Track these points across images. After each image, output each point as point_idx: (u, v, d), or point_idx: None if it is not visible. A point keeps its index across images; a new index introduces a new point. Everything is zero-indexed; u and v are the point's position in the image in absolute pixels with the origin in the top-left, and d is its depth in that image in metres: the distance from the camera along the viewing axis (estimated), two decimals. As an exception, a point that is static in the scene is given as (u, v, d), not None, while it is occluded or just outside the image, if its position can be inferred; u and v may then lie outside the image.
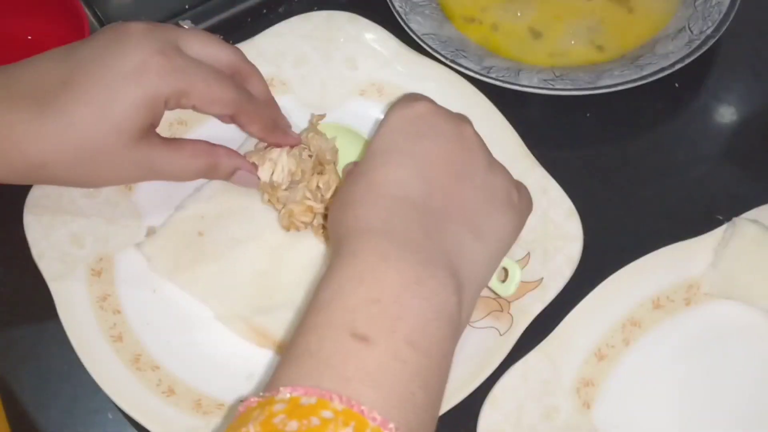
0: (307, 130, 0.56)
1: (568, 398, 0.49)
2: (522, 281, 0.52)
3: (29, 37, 0.64)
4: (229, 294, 0.53)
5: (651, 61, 0.59)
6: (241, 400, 0.37)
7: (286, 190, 0.54)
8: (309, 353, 0.37)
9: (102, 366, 0.49)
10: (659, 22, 0.63)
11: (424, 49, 0.60)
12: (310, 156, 0.55)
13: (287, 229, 0.53)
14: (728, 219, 0.53)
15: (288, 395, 0.35)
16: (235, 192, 0.55)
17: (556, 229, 0.54)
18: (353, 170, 0.46)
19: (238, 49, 0.54)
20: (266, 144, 0.55)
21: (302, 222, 0.53)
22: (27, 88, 0.48)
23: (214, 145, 0.53)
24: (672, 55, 0.59)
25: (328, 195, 0.54)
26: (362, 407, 0.34)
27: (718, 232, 0.53)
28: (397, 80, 0.60)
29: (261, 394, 0.36)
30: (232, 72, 0.52)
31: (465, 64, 0.59)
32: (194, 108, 0.50)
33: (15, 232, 0.54)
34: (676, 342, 0.51)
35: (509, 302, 0.52)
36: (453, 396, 0.48)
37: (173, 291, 0.53)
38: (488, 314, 0.52)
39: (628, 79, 0.58)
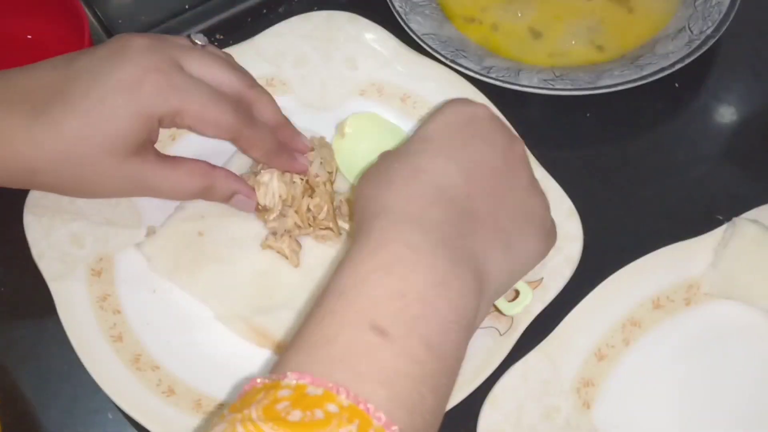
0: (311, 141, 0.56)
1: (568, 398, 0.49)
2: (522, 281, 0.52)
3: (29, 37, 0.64)
4: (229, 294, 0.53)
5: (651, 61, 0.59)
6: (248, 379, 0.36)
7: (274, 220, 0.53)
8: (324, 340, 0.36)
9: (102, 366, 0.49)
10: (659, 22, 0.63)
11: (424, 49, 0.60)
12: (302, 179, 0.54)
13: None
14: (728, 219, 0.53)
15: (294, 382, 0.34)
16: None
17: (556, 229, 0.53)
18: (394, 150, 0.45)
19: (246, 72, 0.53)
20: (257, 165, 0.54)
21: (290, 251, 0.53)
22: (24, 94, 0.48)
23: (213, 166, 0.52)
24: (672, 55, 0.59)
25: (321, 216, 0.54)
26: (368, 405, 0.33)
27: (718, 232, 0.53)
28: (397, 80, 0.60)
29: (268, 375, 0.35)
30: (236, 95, 0.51)
31: (465, 64, 0.59)
32: (190, 128, 0.50)
33: (15, 232, 0.54)
34: (676, 342, 0.51)
35: (509, 302, 0.51)
36: (453, 396, 0.48)
37: (173, 291, 0.53)
38: (488, 314, 0.51)
39: (628, 79, 0.58)
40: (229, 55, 0.54)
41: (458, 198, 0.41)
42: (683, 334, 0.51)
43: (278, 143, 0.53)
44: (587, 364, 0.50)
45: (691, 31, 0.61)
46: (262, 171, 0.54)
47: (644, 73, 0.58)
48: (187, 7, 0.65)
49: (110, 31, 0.64)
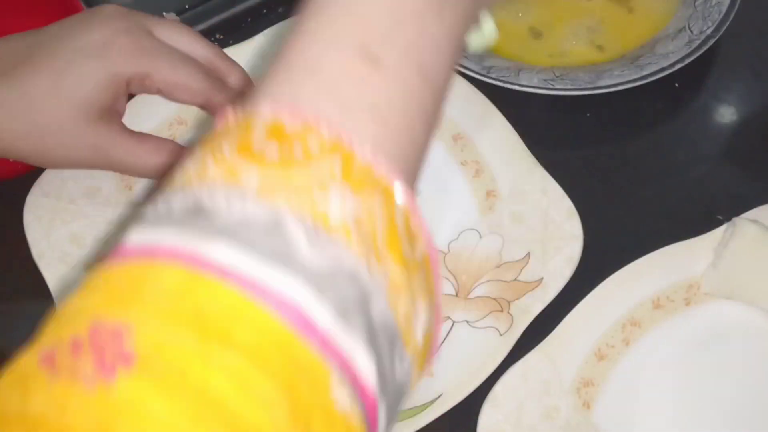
0: None
1: (569, 398, 0.49)
2: (522, 281, 0.52)
3: (29, 37, 0.64)
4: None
5: (651, 61, 0.59)
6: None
7: None
8: (304, 65, 0.31)
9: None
10: (659, 22, 0.63)
11: (424, 49, 0.60)
12: None
13: None
14: (728, 219, 0.53)
15: (270, 113, 0.29)
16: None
17: (556, 229, 0.54)
18: None
19: (217, 46, 0.53)
20: None
21: None
22: None
23: (181, 146, 0.52)
24: (672, 55, 0.59)
25: None
26: (354, 139, 0.29)
27: (718, 232, 0.53)
28: (397, 80, 0.60)
29: (241, 108, 0.30)
30: (206, 63, 0.50)
31: (465, 64, 0.59)
32: (160, 93, 0.49)
33: (15, 232, 0.54)
34: (676, 342, 0.51)
35: (509, 302, 0.52)
36: (453, 396, 0.48)
37: (173, 291, 0.53)
38: (488, 314, 0.52)
39: (628, 79, 0.58)
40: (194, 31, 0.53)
41: None
42: (683, 334, 0.51)
43: None
44: (587, 364, 0.50)
45: (691, 31, 0.61)
46: None
47: (644, 73, 0.58)
48: (187, 7, 0.65)
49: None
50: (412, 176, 0.33)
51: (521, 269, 0.53)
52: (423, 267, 0.30)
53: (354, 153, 0.28)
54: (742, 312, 0.52)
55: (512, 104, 0.58)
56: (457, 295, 0.53)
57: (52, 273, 0.52)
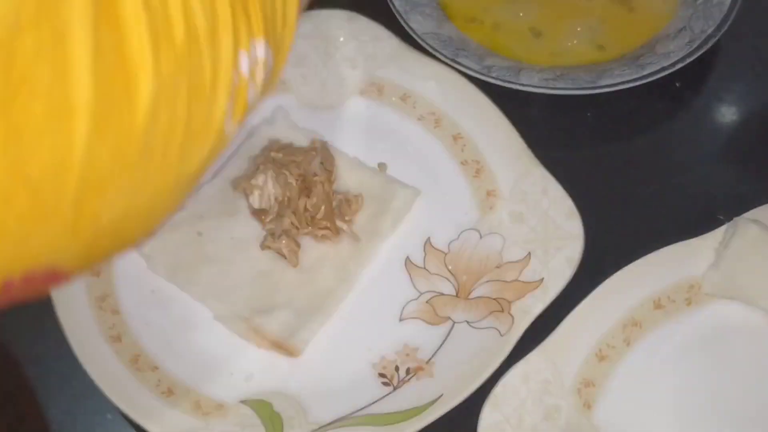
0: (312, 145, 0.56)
1: (569, 398, 0.49)
2: (523, 281, 0.52)
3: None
4: (228, 294, 0.53)
5: (651, 60, 0.59)
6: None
7: (271, 222, 0.53)
8: None
9: (101, 366, 0.49)
10: (660, 22, 0.63)
11: (425, 49, 0.60)
12: (298, 178, 0.54)
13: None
14: (729, 219, 0.53)
15: None
16: (235, 192, 0.55)
17: (556, 229, 0.53)
18: None
19: None
20: (253, 168, 0.54)
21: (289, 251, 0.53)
22: None
23: None
24: (673, 54, 0.59)
25: (319, 216, 0.53)
26: None
27: (718, 232, 0.53)
28: (397, 80, 0.60)
29: None
30: None
31: (465, 64, 0.59)
32: None
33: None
34: (676, 342, 0.51)
35: (510, 302, 0.52)
36: (453, 396, 0.48)
37: (172, 291, 0.53)
38: (489, 314, 0.51)
39: (629, 78, 0.58)
40: None
41: None
42: (684, 334, 0.51)
43: None
44: (588, 364, 0.50)
45: (692, 31, 0.61)
46: (256, 174, 0.54)
47: (645, 72, 0.58)
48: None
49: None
50: None
51: (522, 269, 0.53)
52: None
53: None
54: (742, 312, 0.51)
55: (512, 104, 0.58)
56: (457, 296, 0.53)
57: (52, 273, 0.52)
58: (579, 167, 0.59)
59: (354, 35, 0.61)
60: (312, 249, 0.54)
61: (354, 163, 0.57)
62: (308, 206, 0.54)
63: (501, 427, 0.48)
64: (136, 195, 0.27)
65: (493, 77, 0.58)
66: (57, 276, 0.28)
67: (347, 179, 0.57)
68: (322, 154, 0.55)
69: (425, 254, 0.55)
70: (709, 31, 0.60)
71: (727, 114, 0.62)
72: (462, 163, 0.57)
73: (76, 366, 0.49)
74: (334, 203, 0.54)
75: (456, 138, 0.58)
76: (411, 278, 0.54)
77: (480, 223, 0.55)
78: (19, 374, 0.52)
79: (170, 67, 0.26)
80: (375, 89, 0.60)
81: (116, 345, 0.50)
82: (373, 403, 0.49)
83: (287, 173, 0.54)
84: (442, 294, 0.53)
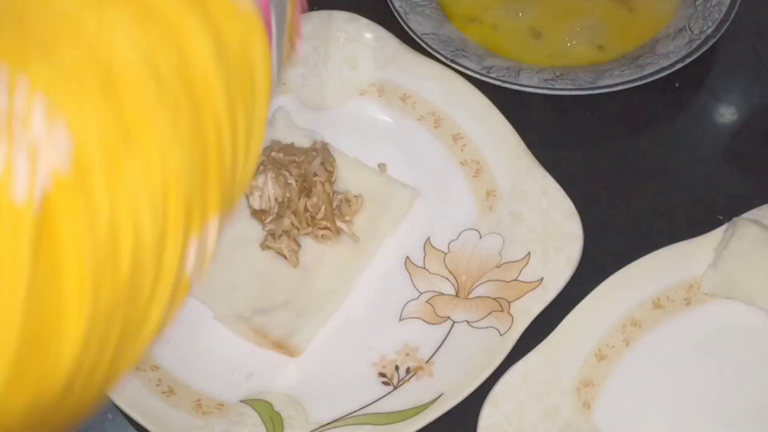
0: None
1: (569, 398, 0.49)
2: (522, 281, 0.52)
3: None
4: (228, 294, 0.53)
5: (651, 60, 0.59)
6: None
7: (271, 222, 0.54)
8: None
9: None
10: (660, 22, 0.63)
11: (424, 49, 0.60)
12: (298, 178, 0.54)
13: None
14: (728, 219, 0.53)
15: None
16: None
17: (556, 229, 0.54)
18: None
19: None
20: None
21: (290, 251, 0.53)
22: None
23: None
24: (672, 54, 0.59)
25: (319, 216, 0.53)
26: None
27: (718, 232, 0.53)
28: (397, 80, 0.60)
29: None
30: None
31: (465, 64, 0.59)
32: None
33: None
34: (676, 342, 0.51)
35: (509, 302, 0.52)
36: (453, 395, 0.48)
37: (173, 291, 0.53)
38: (488, 314, 0.51)
39: (628, 78, 0.58)
40: None
41: None
42: (683, 334, 0.51)
43: None
44: (587, 364, 0.50)
45: (692, 31, 0.61)
46: (256, 175, 0.54)
47: (644, 72, 0.58)
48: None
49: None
50: None
51: (521, 269, 0.53)
52: None
53: None
54: (742, 312, 0.52)
55: (512, 104, 0.58)
56: (457, 295, 0.53)
57: None
58: (579, 167, 0.59)
59: (354, 36, 0.61)
60: (312, 249, 0.54)
61: (354, 163, 0.57)
62: (308, 206, 0.54)
63: (501, 427, 0.48)
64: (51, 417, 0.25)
65: (492, 78, 0.58)
66: None
67: (347, 179, 0.57)
68: (322, 154, 0.55)
69: (425, 254, 0.55)
70: (709, 31, 0.60)
71: (727, 114, 0.62)
72: (462, 163, 0.57)
73: (76, 366, 0.50)
74: (334, 203, 0.55)
75: (456, 138, 0.58)
76: (411, 278, 0.54)
77: (480, 223, 0.55)
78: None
79: (108, 304, 0.24)
80: (375, 89, 0.60)
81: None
82: (373, 402, 0.49)
83: (287, 173, 0.54)
84: (442, 294, 0.53)
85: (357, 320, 0.53)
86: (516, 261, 0.53)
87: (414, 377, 0.50)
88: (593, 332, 0.51)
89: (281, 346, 0.51)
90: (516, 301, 0.51)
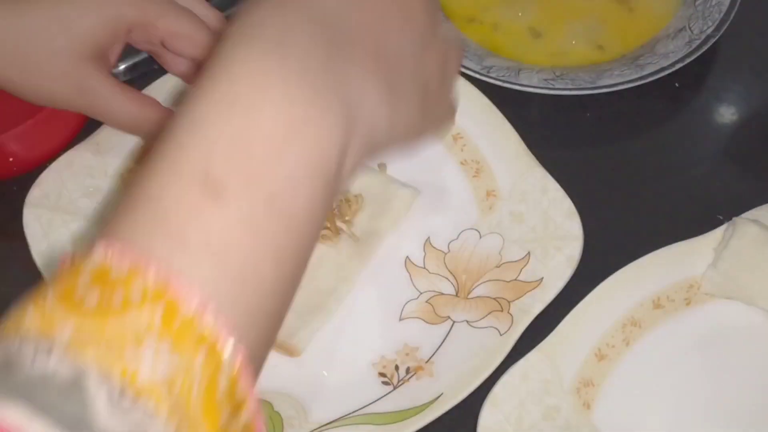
0: None
1: (569, 398, 0.49)
2: (522, 281, 0.52)
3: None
4: (229, 294, 0.53)
5: (651, 60, 0.59)
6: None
7: None
8: (146, 199, 0.28)
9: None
10: (659, 22, 0.63)
11: (424, 49, 0.60)
12: None
13: None
14: (728, 219, 0.53)
15: (100, 257, 0.27)
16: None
17: (556, 229, 0.54)
18: None
19: (220, 13, 0.53)
20: None
21: None
22: None
23: (165, 107, 0.52)
24: (672, 54, 0.59)
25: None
26: (182, 282, 0.26)
27: (718, 232, 0.53)
28: (397, 80, 0.60)
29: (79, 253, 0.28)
30: (211, 24, 0.51)
31: (465, 64, 0.59)
32: (163, 44, 0.49)
33: (15, 232, 0.54)
34: (676, 342, 0.51)
35: (509, 302, 0.52)
36: (453, 395, 0.48)
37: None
38: (488, 314, 0.51)
39: (628, 78, 0.58)
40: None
41: (332, 16, 0.32)
42: (683, 334, 0.51)
43: None
44: (587, 364, 0.50)
45: (692, 31, 0.61)
46: None
47: (644, 72, 0.58)
48: (187, 6, 0.65)
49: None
50: (256, 328, 0.28)
51: (521, 269, 0.53)
52: None
53: (178, 301, 0.25)
54: (742, 312, 0.52)
55: (512, 104, 0.58)
56: (457, 295, 0.53)
57: (52, 273, 0.52)
58: (579, 167, 0.59)
59: (354, 36, 0.61)
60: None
61: (354, 163, 0.57)
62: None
63: (500, 427, 0.48)
64: None
65: (492, 78, 0.58)
66: None
67: (347, 179, 0.57)
68: None
69: (425, 254, 0.55)
70: (709, 31, 0.60)
71: (727, 114, 0.62)
72: (462, 163, 0.57)
73: (76, 366, 0.50)
74: (334, 203, 0.55)
75: (456, 138, 0.58)
76: (411, 278, 0.54)
77: (480, 222, 0.55)
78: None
79: None
80: (375, 89, 0.60)
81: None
82: (373, 402, 0.49)
83: None
84: (442, 293, 0.53)
85: (357, 320, 0.53)
86: (516, 261, 0.53)
87: (414, 377, 0.50)
88: (593, 332, 0.51)
89: (281, 346, 0.51)
90: (516, 301, 0.52)
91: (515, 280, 0.52)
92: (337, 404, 0.49)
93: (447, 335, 0.51)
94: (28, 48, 0.47)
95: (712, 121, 0.61)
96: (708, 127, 0.61)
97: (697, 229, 0.53)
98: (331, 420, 0.48)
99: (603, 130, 0.61)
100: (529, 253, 0.53)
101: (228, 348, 0.26)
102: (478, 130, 0.58)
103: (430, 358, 0.51)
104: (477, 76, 0.58)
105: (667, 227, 0.55)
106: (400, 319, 0.53)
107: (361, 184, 0.56)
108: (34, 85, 0.49)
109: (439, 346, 0.51)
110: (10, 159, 0.56)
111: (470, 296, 0.53)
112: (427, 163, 0.58)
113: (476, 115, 0.58)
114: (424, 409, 0.48)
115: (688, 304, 0.52)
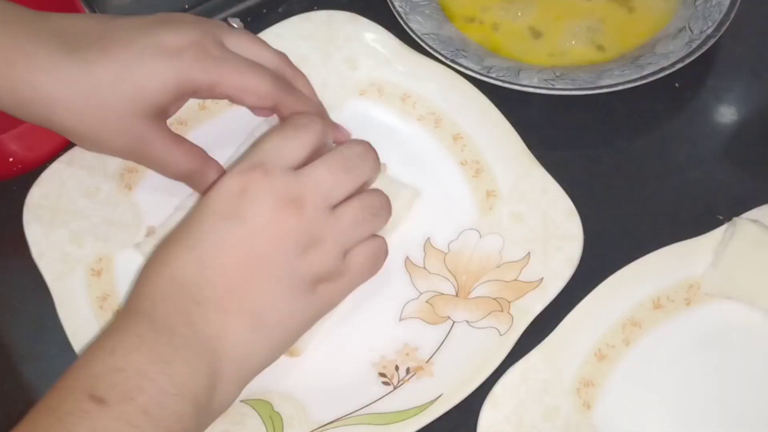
0: None
1: (569, 398, 0.49)
2: (522, 281, 0.52)
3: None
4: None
5: (651, 60, 0.59)
6: None
7: None
8: (48, 411, 0.39)
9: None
10: (659, 22, 0.63)
11: (425, 49, 0.60)
12: None
13: None
14: (728, 219, 0.53)
15: None
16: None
17: (556, 229, 0.54)
18: (182, 222, 0.46)
19: (284, 54, 0.54)
20: None
21: None
22: (59, 32, 0.48)
23: (209, 156, 0.53)
24: (672, 54, 0.59)
25: None
26: None
27: (718, 232, 0.53)
28: (397, 80, 0.60)
29: None
30: (274, 69, 0.52)
31: (465, 64, 0.59)
32: (230, 99, 0.51)
33: (15, 232, 0.54)
34: (676, 342, 0.51)
35: (509, 302, 0.52)
36: (453, 395, 0.48)
37: (173, 291, 0.53)
38: (488, 314, 0.52)
39: (628, 78, 0.58)
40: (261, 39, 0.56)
41: (193, 288, 0.43)
42: (683, 334, 0.51)
43: (319, 111, 0.54)
44: (587, 364, 0.50)
45: (692, 31, 0.61)
46: None
47: (644, 72, 0.58)
48: (186, 6, 0.65)
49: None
50: None
51: (521, 269, 0.53)
52: None
53: None
54: (742, 312, 0.52)
55: (512, 104, 0.58)
56: (457, 295, 0.53)
57: (52, 273, 0.52)
58: (579, 167, 0.59)
59: (354, 36, 0.61)
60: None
61: (354, 163, 0.57)
62: None
63: (500, 427, 0.48)
64: None
65: (492, 78, 0.58)
66: None
67: (347, 179, 0.57)
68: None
69: (425, 254, 0.55)
70: (709, 31, 0.60)
71: (727, 114, 0.62)
72: (462, 163, 0.58)
73: (76, 366, 0.50)
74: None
75: (456, 138, 0.58)
76: (411, 278, 0.54)
77: (480, 223, 0.55)
78: (19, 374, 0.52)
79: None
80: (375, 89, 0.60)
81: (117, 345, 0.51)
82: (373, 402, 0.49)
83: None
84: (442, 294, 0.53)
85: (357, 320, 0.53)
86: (516, 261, 0.53)
87: (414, 377, 0.50)
88: (593, 332, 0.51)
89: (281, 346, 0.51)
90: (516, 301, 0.52)
91: (515, 280, 0.53)
92: (337, 404, 0.49)
93: (447, 335, 0.51)
94: (92, 104, 0.48)
95: (712, 121, 0.61)
96: (708, 127, 0.61)
97: (697, 229, 0.53)
98: (331, 420, 0.48)
99: (603, 130, 0.61)
100: (529, 253, 0.53)
101: None
102: (478, 130, 0.58)
103: (430, 358, 0.51)
104: (477, 76, 0.58)
105: (667, 227, 0.55)
106: (400, 320, 0.53)
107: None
108: (94, 137, 0.50)
109: (439, 347, 0.51)
110: (10, 159, 0.56)
111: (470, 296, 0.53)
112: (427, 163, 0.58)
113: (476, 115, 0.58)
114: (424, 409, 0.48)
115: (688, 304, 0.52)
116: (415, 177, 0.57)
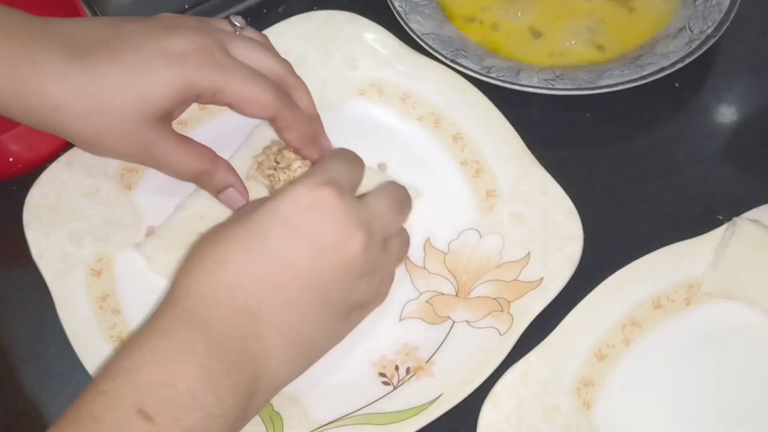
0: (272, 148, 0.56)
1: (569, 398, 0.49)
2: (522, 281, 0.52)
3: (29, 37, 0.63)
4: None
5: (651, 60, 0.59)
6: None
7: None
8: (91, 418, 0.37)
9: (102, 366, 0.49)
10: (659, 22, 0.63)
11: (424, 49, 0.60)
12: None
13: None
14: (728, 219, 0.53)
15: None
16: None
17: (556, 229, 0.54)
18: (231, 223, 0.44)
19: (286, 61, 0.55)
20: (271, 164, 0.54)
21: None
22: (65, 38, 0.48)
23: (217, 155, 0.53)
24: (672, 54, 0.59)
25: None
26: None
27: (718, 232, 0.53)
28: (397, 80, 0.60)
29: None
30: (276, 79, 0.53)
31: (465, 64, 0.59)
32: (231, 106, 0.51)
33: (15, 232, 0.54)
34: (676, 342, 0.51)
35: (509, 302, 0.52)
36: (453, 395, 0.48)
37: (173, 291, 0.53)
38: (488, 314, 0.52)
39: (628, 78, 0.58)
40: (265, 37, 0.56)
41: (251, 304, 0.42)
42: (683, 334, 0.51)
43: (313, 130, 0.54)
44: (587, 364, 0.50)
45: (692, 31, 0.61)
46: (288, 165, 0.54)
47: (644, 72, 0.58)
48: (186, 6, 0.65)
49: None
50: None
51: (521, 269, 0.53)
52: None
53: None
54: (742, 312, 0.52)
55: (512, 104, 0.58)
56: (457, 295, 0.53)
57: (52, 273, 0.52)
58: (579, 167, 0.59)
59: (354, 36, 0.61)
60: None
61: (354, 163, 0.57)
62: None
63: (500, 427, 0.48)
64: None
65: (492, 77, 0.58)
66: None
67: (347, 179, 0.57)
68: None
69: (425, 254, 0.55)
70: (709, 31, 0.60)
71: (727, 114, 0.62)
72: (462, 163, 0.58)
73: (76, 366, 0.50)
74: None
75: (456, 138, 0.58)
76: (411, 278, 0.54)
77: (480, 223, 0.55)
78: (19, 374, 0.52)
79: None
80: (375, 89, 0.60)
81: (117, 345, 0.51)
82: (373, 402, 0.49)
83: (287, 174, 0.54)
84: (442, 294, 0.53)
85: (357, 320, 0.53)
86: (516, 261, 0.53)
87: (414, 377, 0.50)
88: (593, 332, 0.51)
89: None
90: (516, 301, 0.52)
91: (515, 280, 0.53)
92: (337, 404, 0.49)
93: (447, 335, 0.51)
94: (99, 109, 0.48)
95: (712, 121, 0.61)
96: (708, 127, 0.61)
97: (697, 229, 0.53)
98: (331, 420, 0.48)
99: (603, 130, 0.61)
100: (529, 253, 0.53)
101: None
102: (478, 130, 0.58)
103: (430, 358, 0.51)
104: (477, 76, 0.58)
105: (667, 227, 0.55)
106: (400, 319, 0.53)
107: (362, 184, 0.56)
108: (101, 143, 0.50)
109: (439, 346, 0.51)
110: (10, 159, 0.56)
111: (470, 296, 0.53)
112: (427, 163, 0.58)
113: (476, 115, 0.58)
114: (424, 409, 0.48)
115: (688, 304, 0.52)
116: (415, 177, 0.57)
